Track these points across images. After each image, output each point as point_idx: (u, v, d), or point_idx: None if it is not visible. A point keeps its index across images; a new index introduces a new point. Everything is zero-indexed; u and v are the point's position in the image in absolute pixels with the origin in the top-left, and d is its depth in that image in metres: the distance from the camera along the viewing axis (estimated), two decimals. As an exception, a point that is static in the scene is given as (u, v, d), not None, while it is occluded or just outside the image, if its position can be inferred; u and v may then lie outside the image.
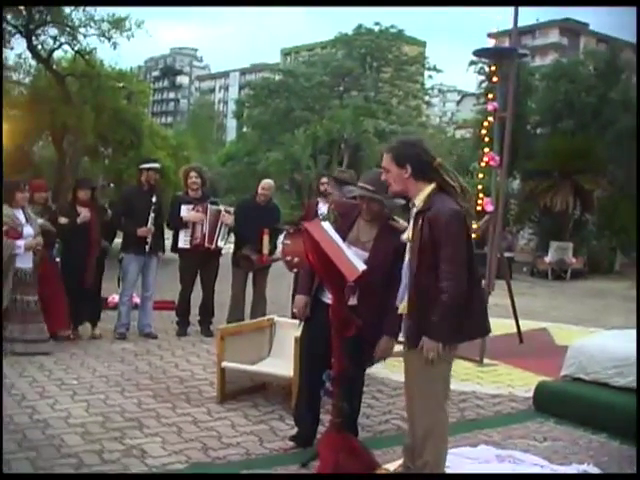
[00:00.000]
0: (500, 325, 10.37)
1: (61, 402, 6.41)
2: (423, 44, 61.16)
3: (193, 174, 9.53)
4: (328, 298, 4.79)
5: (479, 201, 9.30)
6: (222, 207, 9.60)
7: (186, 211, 9.26)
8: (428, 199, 4.31)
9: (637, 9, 6.43)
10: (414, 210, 4.39)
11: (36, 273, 8.17)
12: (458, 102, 76.09)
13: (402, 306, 4.42)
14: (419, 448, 4.38)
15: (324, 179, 9.22)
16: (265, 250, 9.10)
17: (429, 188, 4.34)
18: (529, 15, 61.87)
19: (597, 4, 17.61)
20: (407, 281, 4.37)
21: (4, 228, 7.78)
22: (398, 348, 4.85)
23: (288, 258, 8.28)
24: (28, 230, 8.03)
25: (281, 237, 8.89)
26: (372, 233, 4.99)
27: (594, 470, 5.06)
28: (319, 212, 8.69)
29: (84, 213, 8.75)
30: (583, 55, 29.56)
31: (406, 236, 4.44)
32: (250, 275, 9.51)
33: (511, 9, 9.22)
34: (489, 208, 9.00)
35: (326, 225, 4.44)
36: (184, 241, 9.28)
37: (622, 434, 5.88)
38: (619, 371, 6.62)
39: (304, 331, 5.23)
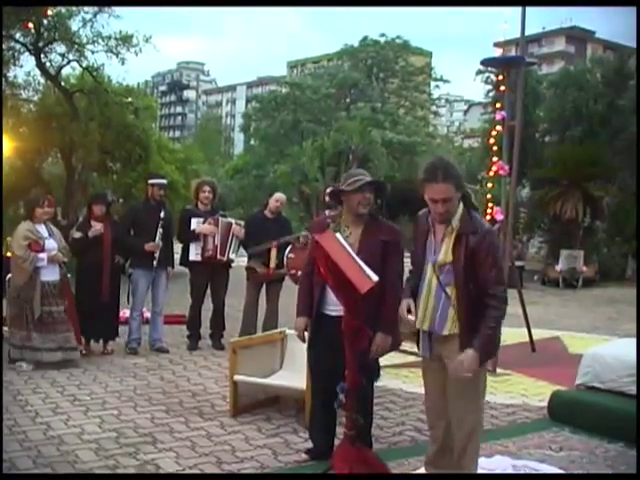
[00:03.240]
0: (512, 334, 10.34)
1: (74, 418, 6.41)
2: (429, 54, 61.11)
3: (207, 188, 9.57)
4: (333, 310, 4.78)
5: (489, 210, 9.29)
6: (233, 220, 9.62)
7: (196, 224, 9.30)
8: (465, 218, 4.34)
9: (637, 9, 6.43)
10: (449, 230, 4.37)
11: (61, 285, 8.34)
12: (465, 112, 76.20)
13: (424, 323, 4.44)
14: (461, 447, 4.50)
15: (328, 189, 9.22)
16: (272, 263, 9.08)
17: (461, 206, 4.36)
18: (535, 24, 61.89)
19: (597, 4, 17.64)
20: (441, 300, 4.40)
21: (26, 242, 8.05)
22: (413, 357, 4.87)
23: (292, 272, 8.27)
24: (51, 243, 8.28)
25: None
26: (357, 233, 4.99)
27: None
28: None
29: (97, 227, 8.80)
30: (590, 63, 29.52)
31: (442, 257, 4.40)
32: (264, 288, 9.50)
33: (517, 18, 9.23)
34: (499, 217, 8.99)
35: (337, 236, 4.43)
36: (195, 254, 9.30)
37: (640, 443, 5.84)
38: (634, 379, 6.58)
39: (310, 346, 5.20)
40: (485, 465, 5.01)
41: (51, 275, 8.23)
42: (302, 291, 5.26)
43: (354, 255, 4.30)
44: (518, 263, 19.40)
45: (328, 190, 8.93)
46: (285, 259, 8.90)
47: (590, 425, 6.28)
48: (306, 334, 5.26)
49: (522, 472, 4.96)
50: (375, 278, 4.16)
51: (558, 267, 20.52)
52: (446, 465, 4.64)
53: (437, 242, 4.42)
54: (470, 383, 4.38)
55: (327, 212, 8.78)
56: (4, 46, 16.72)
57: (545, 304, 15.80)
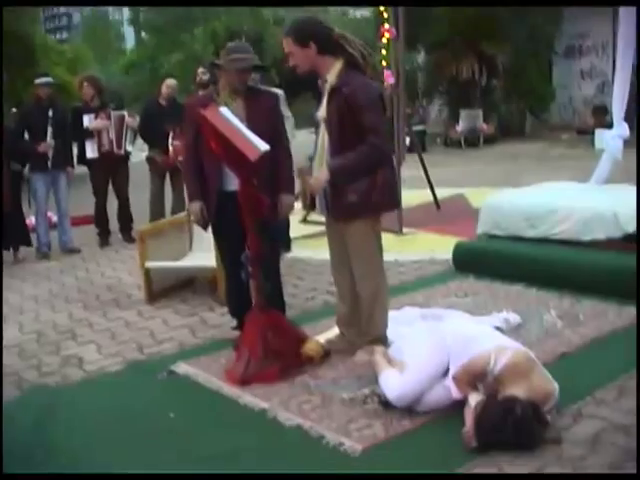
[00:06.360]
0: (417, 196, 10.62)
1: (-7, 326, 6.40)
2: None
3: (85, 84, 9.46)
4: (233, 185, 4.81)
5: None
6: (125, 112, 9.52)
7: (89, 120, 9.21)
8: (341, 74, 4.40)
9: (637, 9, 6.45)
10: (327, 87, 4.45)
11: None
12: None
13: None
14: (368, 310, 4.69)
15: (200, 69, 9.13)
16: (171, 151, 9.03)
17: (339, 64, 4.42)
18: None
19: (597, 4, 17.36)
20: (326, 158, 4.48)
21: None
22: (322, 228, 5.00)
23: (180, 158, 8.25)
24: None
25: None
26: (239, 105, 4.92)
27: (514, 316, 5.32)
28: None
29: (-16, 136, 8.53)
30: None
31: (321, 113, 4.50)
32: (168, 177, 9.48)
33: None
34: (390, 80, 9.04)
35: (224, 110, 4.42)
36: (92, 150, 9.23)
37: (539, 282, 6.15)
38: (530, 224, 6.89)
39: (214, 227, 5.19)
40: (394, 317, 5.20)
41: None
42: (189, 176, 5.16)
43: (241, 126, 4.32)
44: (420, 127, 19.70)
45: (204, 67, 8.83)
46: (171, 147, 8.88)
47: (492, 271, 6.54)
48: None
49: (429, 320, 5.14)
50: (264, 147, 4.21)
51: (459, 128, 20.80)
52: (357, 323, 4.86)
53: (322, 100, 4.52)
54: (364, 241, 4.57)
55: (200, 92, 8.69)
56: None
57: (449, 165, 16.06)
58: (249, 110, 4.85)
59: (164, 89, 9.29)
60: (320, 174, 4.42)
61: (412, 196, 10.37)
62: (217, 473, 2.88)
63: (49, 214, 9.53)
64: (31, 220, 9.59)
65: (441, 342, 4.03)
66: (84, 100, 9.53)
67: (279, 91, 7.54)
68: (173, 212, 9.26)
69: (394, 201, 4.71)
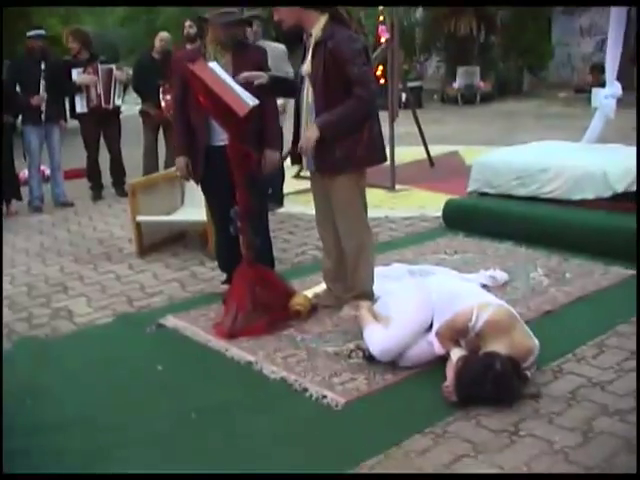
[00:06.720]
0: (411, 152, 10.63)
1: (-17, 280, 6.43)
2: None
3: (70, 38, 9.39)
4: (221, 141, 4.81)
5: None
6: (113, 65, 9.46)
7: (77, 74, 9.13)
8: (326, 29, 4.39)
9: (637, 9, 6.36)
10: (311, 41, 4.44)
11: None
12: None
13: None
14: (353, 265, 4.73)
15: (187, 22, 9.06)
16: (164, 105, 8.98)
17: (323, 18, 4.41)
18: None
19: (597, 4, 17.02)
20: (311, 112, 4.49)
21: None
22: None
23: (171, 112, 8.20)
24: None
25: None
26: (227, 59, 4.89)
27: (500, 274, 5.36)
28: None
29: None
30: None
31: (305, 68, 4.50)
32: (161, 131, 9.45)
33: None
34: (385, 35, 8.97)
35: (213, 64, 4.40)
36: (81, 105, 9.19)
37: (528, 240, 6.18)
38: (521, 182, 6.93)
39: (203, 182, 5.20)
40: (382, 272, 5.25)
41: None
42: (177, 131, 5.17)
43: (230, 81, 4.31)
44: (417, 83, 19.54)
45: (192, 20, 8.72)
46: (163, 102, 8.83)
47: (482, 228, 6.57)
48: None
49: (417, 276, 5.18)
50: (252, 102, 4.21)
51: (456, 84, 20.64)
52: (342, 278, 4.90)
53: (307, 55, 4.51)
54: (349, 197, 4.59)
55: (188, 46, 8.62)
56: None
57: (444, 122, 16.00)
58: (237, 65, 4.81)
59: (157, 42, 9.22)
60: (309, 132, 4.41)
61: (406, 153, 10.37)
62: (217, 473, 2.95)
63: (42, 167, 9.50)
64: (24, 173, 9.58)
65: (427, 298, 4.08)
66: (72, 54, 9.45)
67: (281, 46, 7.50)
68: (166, 166, 9.24)
69: (379, 156, 4.65)
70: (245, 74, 4.51)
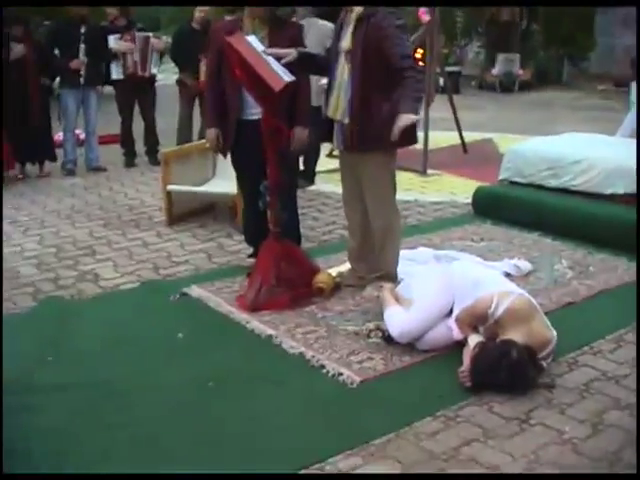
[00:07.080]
0: (445, 138, 10.60)
1: (15, 238, 6.52)
2: None
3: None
4: (253, 115, 4.83)
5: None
6: (150, 33, 9.50)
7: (114, 41, 9.14)
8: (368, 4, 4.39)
9: (637, 9, 6.27)
10: (352, 17, 4.44)
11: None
12: None
13: (337, 112, 4.56)
14: (379, 244, 4.77)
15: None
16: (202, 76, 8.99)
17: None
18: None
19: (597, 4, 16.75)
20: (345, 89, 4.49)
21: None
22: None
23: None
24: None
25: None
26: (264, 34, 4.84)
27: (525, 264, 5.36)
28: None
29: (17, 48, 8.52)
30: None
31: (345, 44, 4.49)
32: (197, 102, 9.47)
33: None
34: (425, 18, 8.91)
35: (251, 38, 4.42)
36: (117, 72, 9.20)
37: (555, 231, 6.17)
38: (553, 173, 6.90)
39: (233, 154, 5.19)
40: (408, 255, 5.28)
41: None
42: (210, 103, 5.16)
43: (267, 56, 4.33)
44: (455, 68, 19.38)
45: None
46: (202, 74, 8.84)
47: (511, 217, 6.56)
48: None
49: (443, 262, 5.21)
50: (288, 78, 4.23)
51: (495, 71, 20.45)
52: (366, 258, 4.93)
53: (345, 31, 4.51)
54: (379, 176, 4.62)
55: (227, 17, 8.61)
56: None
57: (481, 108, 15.89)
58: (272, 40, 4.81)
59: (197, 13, 9.23)
60: (401, 120, 4.21)
61: (440, 138, 10.34)
62: (218, 473, 3.00)
63: (77, 131, 9.58)
64: (59, 136, 9.66)
65: (448, 283, 4.10)
66: (109, 20, 9.52)
67: (329, 24, 7.46)
68: (200, 137, 9.28)
69: (410, 138, 4.59)
70: (273, 50, 4.48)
